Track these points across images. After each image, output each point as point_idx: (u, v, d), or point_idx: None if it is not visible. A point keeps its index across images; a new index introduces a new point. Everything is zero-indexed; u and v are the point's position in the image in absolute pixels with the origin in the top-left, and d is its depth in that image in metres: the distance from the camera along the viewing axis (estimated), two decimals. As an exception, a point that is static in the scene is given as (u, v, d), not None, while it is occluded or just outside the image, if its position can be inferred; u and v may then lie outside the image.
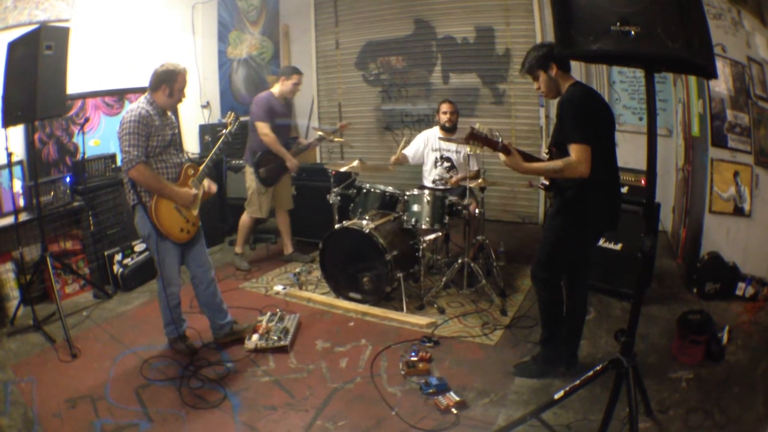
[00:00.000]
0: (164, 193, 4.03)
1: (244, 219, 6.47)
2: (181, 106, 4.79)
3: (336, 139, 6.40)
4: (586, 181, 3.38)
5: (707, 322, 4.05)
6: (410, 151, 6.32)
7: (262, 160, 6.08)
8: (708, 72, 2.53)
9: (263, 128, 6.00)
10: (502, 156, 3.67)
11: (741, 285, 4.92)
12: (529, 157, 3.72)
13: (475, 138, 3.63)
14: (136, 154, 3.83)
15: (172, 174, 4.14)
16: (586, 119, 3.39)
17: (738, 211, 5.02)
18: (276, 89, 6.27)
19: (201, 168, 4.34)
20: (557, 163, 3.41)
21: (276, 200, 6.54)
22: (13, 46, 4.55)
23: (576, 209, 3.61)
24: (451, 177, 6.06)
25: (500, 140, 3.64)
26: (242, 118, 5.16)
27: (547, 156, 3.80)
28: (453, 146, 6.05)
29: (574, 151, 3.33)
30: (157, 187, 3.98)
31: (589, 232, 3.81)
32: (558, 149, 3.56)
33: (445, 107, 6.15)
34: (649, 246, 2.79)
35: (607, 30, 2.41)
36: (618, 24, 2.37)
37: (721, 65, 4.91)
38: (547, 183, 3.82)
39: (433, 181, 6.10)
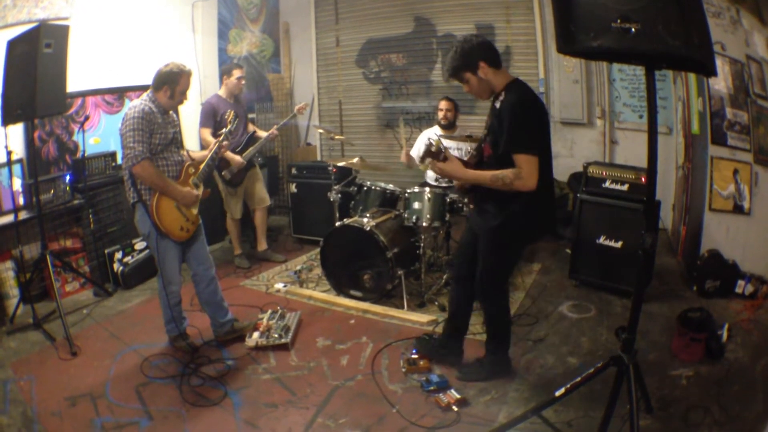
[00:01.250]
0: (167, 191, 4.03)
1: (228, 222, 6.55)
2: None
3: (337, 137, 6.40)
4: (533, 194, 3.27)
5: (707, 319, 4.06)
6: (416, 154, 6.31)
7: (222, 163, 6.02)
8: (708, 69, 2.52)
9: (203, 134, 6.02)
10: (439, 164, 3.51)
11: (741, 283, 4.91)
12: (465, 163, 3.56)
13: (429, 156, 3.52)
14: (141, 149, 3.83)
15: (173, 172, 4.15)
16: (535, 127, 3.29)
17: (738, 209, 5.02)
18: (222, 90, 6.28)
19: (201, 167, 4.35)
20: (507, 174, 3.26)
21: (250, 199, 6.54)
22: (12, 45, 4.55)
23: (522, 224, 3.46)
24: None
25: (443, 150, 3.51)
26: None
27: (472, 156, 3.68)
28: (453, 143, 6.03)
29: (525, 162, 3.21)
30: (161, 184, 3.99)
31: (530, 240, 3.76)
32: (498, 155, 3.38)
33: (442, 104, 6.19)
34: (649, 243, 2.79)
35: (607, 27, 2.40)
36: (618, 21, 2.36)
37: (720, 63, 4.91)
38: (467, 185, 3.64)
39: (436, 179, 6.10)
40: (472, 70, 3.40)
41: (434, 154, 3.52)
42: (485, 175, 3.39)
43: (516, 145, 3.24)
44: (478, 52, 3.37)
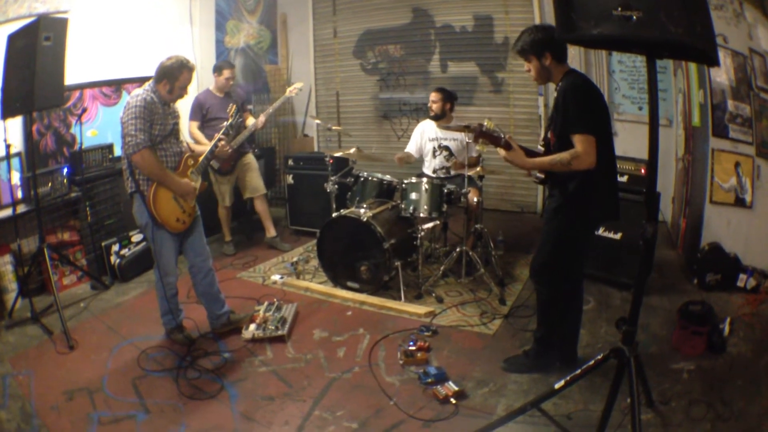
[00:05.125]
0: (165, 182, 4.01)
1: (219, 209, 6.64)
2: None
3: (334, 128, 6.38)
4: (589, 173, 3.30)
5: (708, 312, 4.02)
6: (412, 148, 6.28)
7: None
8: (710, 58, 2.49)
9: (190, 127, 6.19)
10: (502, 151, 3.60)
11: (742, 277, 4.88)
12: (528, 152, 3.64)
13: (482, 136, 3.59)
14: (142, 138, 3.81)
15: (172, 163, 4.13)
16: (589, 109, 3.32)
17: (739, 202, 4.99)
18: (212, 85, 6.40)
19: (200, 159, 4.33)
20: (564, 156, 3.31)
21: (246, 188, 6.62)
22: (12, 38, 4.55)
23: (579, 204, 3.48)
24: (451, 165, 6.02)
25: (503, 135, 3.58)
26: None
27: (542, 147, 3.73)
28: (450, 134, 6.00)
29: (580, 141, 3.25)
30: (159, 174, 3.96)
31: (592, 225, 3.77)
32: (558, 140, 3.46)
33: (432, 96, 6.11)
34: (650, 233, 2.76)
35: (608, 14, 2.37)
36: (619, 9, 2.33)
37: (722, 55, 4.88)
38: (542, 176, 3.70)
39: (434, 171, 6.06)
40: (538, 56, 3.53)
41: (494, 139, 3.59)
42: (545, 159, 3.49)
43: (570, 125, 3.33)
44: (548, 44, 3.48)
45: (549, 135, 3.63)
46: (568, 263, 3.70)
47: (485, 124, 3.61)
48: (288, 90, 6.66)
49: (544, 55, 3.49)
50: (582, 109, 3.30)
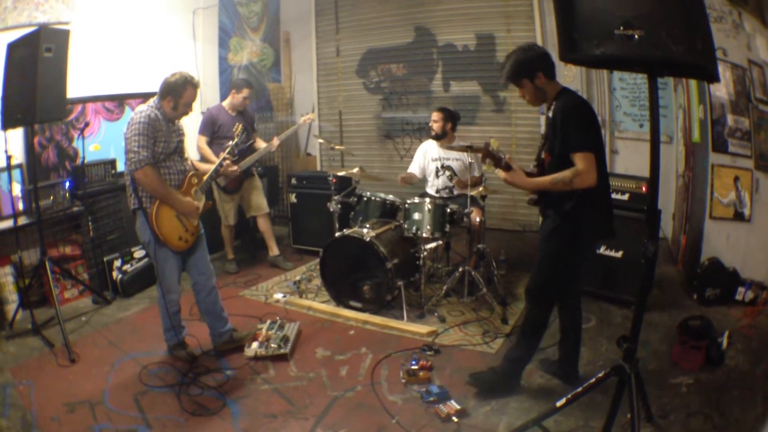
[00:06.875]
0: (168, 200, 4.01)
1: (222, 228, 6.63)
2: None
3: (337, 147, 6.39)
4: (584, 192, 3.31)
5: (707, 327, 4.05)
6: (415, 168, 6.30)
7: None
8: (711, 75, 2.51)
9: (199, 141, 6.17)
10: (501, 173, 3.60)
11: (741, 290, 4.91)
12: (526, 173, 3.64)
13: (489, 156, 3.60)
14: (145, 155, 3.81)
15: (176, 181, 4.13)
16: (588, 127, 3.33)
17: (738, 216, 5.02)
18: (226, 102, 6.39)
19: (205, 178, 4.33)
20: (566, 174, 3.29)
21: (249, 207, 6.62)
22: (12, 48, 4.56)
23: (576, 222, 3.47)
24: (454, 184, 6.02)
25: (503, 157, 3.58)
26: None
27: (534, 168, 3.73)
28: (453, 154, 6.02)
29: (581, 160, 3.24)
30: (162, 192, 3.96)
31: (589, 243, 3.76)
32: (554, 159, 3.45)
33: (433, 115, 6.13)
34: (652, 251, 2.77)
35: (610, 34, 2.39)
36: (621, 28, 2.35)
37: (722, 69, 4.91)
38: (535, 197, 3.68)
39: (437, 191, 6.07)
40: (530, 77, 3.51)
41: (496, 159, 3.60)
42: (545, 179, 3.45)
43: (570, 144, 3.31)
44: (538, 63, 3.49)
45: (543, 155, 3.62)
46: (566, 283, 3.69)
47: (491, 143, 3.61)
48: (302, 119, 6.75)
49: (536, 75, 3.48)
50: (582, 129, 3.30)
